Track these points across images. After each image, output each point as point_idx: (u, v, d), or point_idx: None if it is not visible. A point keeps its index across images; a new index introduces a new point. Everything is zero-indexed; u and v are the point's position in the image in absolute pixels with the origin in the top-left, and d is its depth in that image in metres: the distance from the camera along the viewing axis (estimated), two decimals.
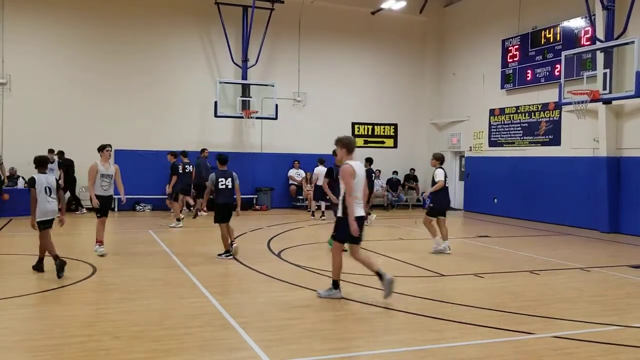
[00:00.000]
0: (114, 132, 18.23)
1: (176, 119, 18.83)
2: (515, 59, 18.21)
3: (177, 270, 8.91)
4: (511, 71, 18.36)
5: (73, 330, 5.80)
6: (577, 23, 15.95)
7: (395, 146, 22.00)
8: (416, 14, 21.45)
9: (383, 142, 21.95)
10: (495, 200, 18.77)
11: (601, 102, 13.71)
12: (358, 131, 21.57)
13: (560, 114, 16.46)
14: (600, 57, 13.84)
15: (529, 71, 17.62)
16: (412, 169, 21.69)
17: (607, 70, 13.05)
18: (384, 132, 22.02)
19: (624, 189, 14.41)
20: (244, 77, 19.04)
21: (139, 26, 18.55)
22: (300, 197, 19.78)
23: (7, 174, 16.28)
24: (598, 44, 13.82)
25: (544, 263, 10.04)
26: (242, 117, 18.42)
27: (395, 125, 22.05)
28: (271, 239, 12.39)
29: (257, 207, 19.32)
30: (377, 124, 21.83)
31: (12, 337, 5.59)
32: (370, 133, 21.81)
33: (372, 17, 21.08)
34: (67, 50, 17.89)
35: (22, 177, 16.10)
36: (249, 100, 18.48)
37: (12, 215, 14.76)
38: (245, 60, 19.07)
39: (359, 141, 21.57)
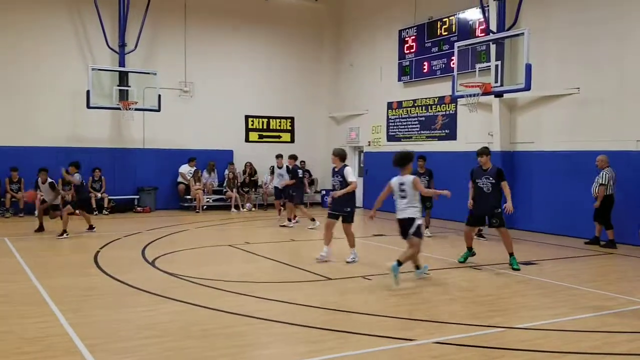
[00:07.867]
0: None
1: (42, 109, 17.56)
2: (411, 51, 18.57)
3: (27, 284, 8.12)
4: (408, 63, 18.71)
5: None
6: (472, 14, 16.47)
7: (292, 141, 21.77)
8: (312, 0, 21.38)
9: (279, 137, 21.70)
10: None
11: (493, 96, 14.20)
12: (252, 125, 21.20)
13: (455, 107, 16.96)
14: (493, 49, 14.31)
15: (426, 63, 18.03)
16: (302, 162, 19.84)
17: (499, 63, 13.43)
18: (280, 126, 21.78)
19: (518, 184, 14.98)
20: (122, 64, 18.01)
21: None
22: (188, 196, 19.09)
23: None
24: (490, 36, 14.28)
25: (435, 261, 10.18)
26: (119, 109, 17.41)
27: (292, 119, 21.89)
28: (148, 244, 11.73)
29: (139, 208, 18.37)
30: (272, 118, 21.55)
31: None
32: (265, 127, 21.50)
33: (265, 3, 20.75)
34: None
35: None
36: (127, 90, 17.50)
37: None
38: (122, 45, 18.04)
39: (254, 135, 21.23)
